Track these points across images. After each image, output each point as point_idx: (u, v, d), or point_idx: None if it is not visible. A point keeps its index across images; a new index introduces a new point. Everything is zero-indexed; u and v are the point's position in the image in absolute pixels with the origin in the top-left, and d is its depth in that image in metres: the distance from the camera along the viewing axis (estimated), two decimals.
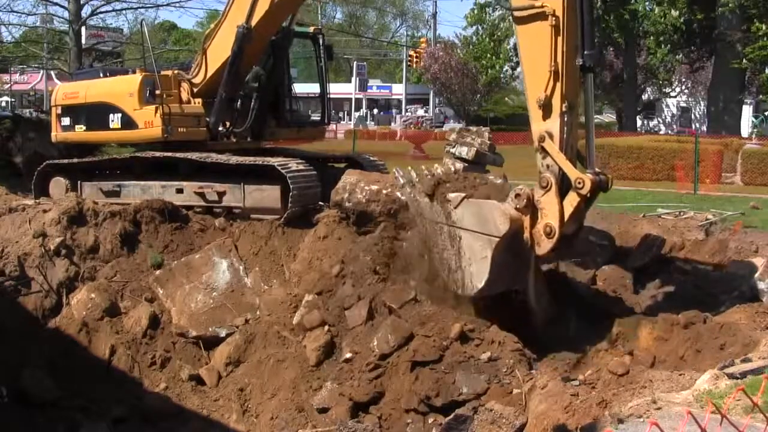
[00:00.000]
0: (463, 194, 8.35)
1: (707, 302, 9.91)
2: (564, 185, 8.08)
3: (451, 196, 8.38)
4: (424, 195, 8.63)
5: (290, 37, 12.67)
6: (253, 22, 11.38)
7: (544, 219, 8.06)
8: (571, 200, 8.05)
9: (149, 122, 11.84)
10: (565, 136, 8.11)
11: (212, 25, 12.49)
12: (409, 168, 9.19)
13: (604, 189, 8.36)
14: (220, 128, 12.35)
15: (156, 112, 11.71)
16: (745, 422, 3.47)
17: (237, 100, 12.20)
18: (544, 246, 8.10)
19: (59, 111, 13.15)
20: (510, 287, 8.67)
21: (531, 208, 8.05)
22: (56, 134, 13.30)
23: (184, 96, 12.24)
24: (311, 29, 13.75)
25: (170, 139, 11.79)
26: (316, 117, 14.48)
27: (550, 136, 8.09)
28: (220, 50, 11.86)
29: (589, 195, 8.04)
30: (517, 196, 8.06)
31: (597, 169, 8.37)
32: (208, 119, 12.07)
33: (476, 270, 8.16)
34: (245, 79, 12.00)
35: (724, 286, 10.50)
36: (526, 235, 8.13)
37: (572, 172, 8.01)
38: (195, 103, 12.20)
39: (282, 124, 12.90)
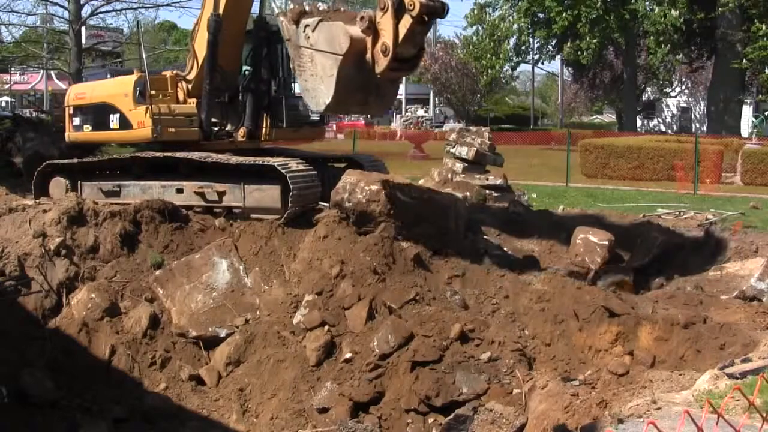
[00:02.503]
0: (319, 18, 9.48)
1: (707, 302, 9.92)
2: (401, 9, 8.92)
3: (309, 20, 9.56)
4: (292, 22, 9.73)
5: (265, 28, 12.67)
6: (221, 9, 11.66)
7: (381, 39, 9.05)
8: (405, 22, 8.96)
9: (141, 122, 11.93)
10: None
11: (195, 20, 12.66)
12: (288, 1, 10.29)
13: (437, 14, 9.32)
14: (217, 128, 12.36)
15: (146, 112, 11.76)
16: (743, 421, 3.47)
17: (224, 94, 12.25)
18: (381, 64, 9.17)
19: (71, 111, 13.24)
20: (360, 111, 9.73)
21: (373, 30, 9.07)
22: (69, 134, 13.38)
23: (181, 96, 12.28)
24: None
25: (160, 139, 11.83)
26: (315, 117, 14.46)
27: None
28: (202, 43, 12.01)
29: (421, 17, 8.93)
30: (361, 18, 9.10)
31: None
32: (201, 117, 12.08)
33: (325, 87, 9.41)
34: (231, 75, 12.05)
35: (724, 286, 10.51)
36: (369, 55, 9.15)
37: None
38: (190, 103, 12.25)
39: (280, 124, 12.88)
